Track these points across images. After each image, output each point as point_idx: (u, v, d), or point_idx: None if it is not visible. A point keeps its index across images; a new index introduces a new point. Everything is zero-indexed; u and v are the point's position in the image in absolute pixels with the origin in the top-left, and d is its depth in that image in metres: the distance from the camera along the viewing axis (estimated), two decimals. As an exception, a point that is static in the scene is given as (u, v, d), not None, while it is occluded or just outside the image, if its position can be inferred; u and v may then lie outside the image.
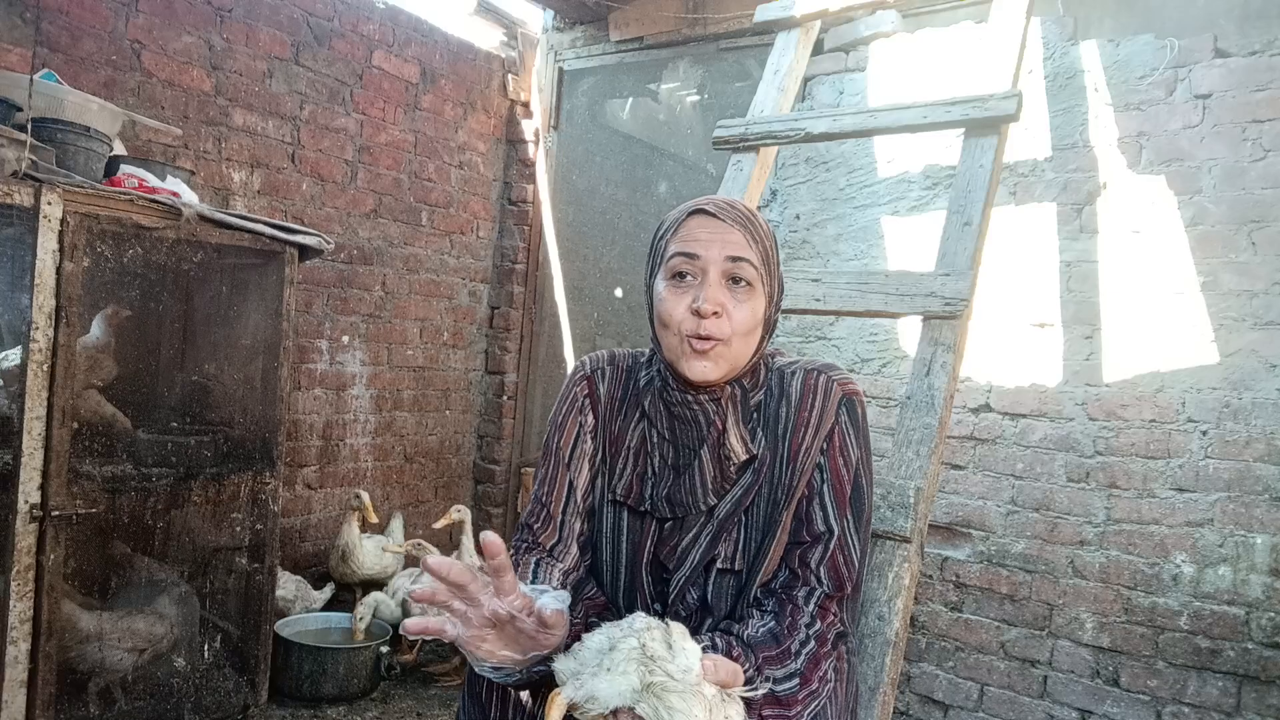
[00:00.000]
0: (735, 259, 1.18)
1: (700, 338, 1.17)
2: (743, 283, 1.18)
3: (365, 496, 3.07)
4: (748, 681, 1.04)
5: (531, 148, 3.85)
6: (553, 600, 0.99)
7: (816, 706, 1.15)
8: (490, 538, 0.92)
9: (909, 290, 1.93)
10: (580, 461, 1.32)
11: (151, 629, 2.28)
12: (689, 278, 1.19)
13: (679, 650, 0.96)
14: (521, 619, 0.97)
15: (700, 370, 1.18)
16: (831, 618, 1.19)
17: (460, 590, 0.95)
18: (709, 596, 1.24)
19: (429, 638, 0.98)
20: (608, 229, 3.85)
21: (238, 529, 2.48)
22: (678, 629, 0.99)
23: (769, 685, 1.09)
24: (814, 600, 1.18)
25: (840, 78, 3.00)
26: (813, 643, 1.15)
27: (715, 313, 1.16)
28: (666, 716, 0.93)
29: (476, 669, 1.04)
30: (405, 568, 3.23)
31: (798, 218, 3.06)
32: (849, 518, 1.21)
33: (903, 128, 2.21)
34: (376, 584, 3.08)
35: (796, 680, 1.12)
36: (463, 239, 3.74)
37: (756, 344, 1.23)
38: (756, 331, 1.21)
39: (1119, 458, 2.48)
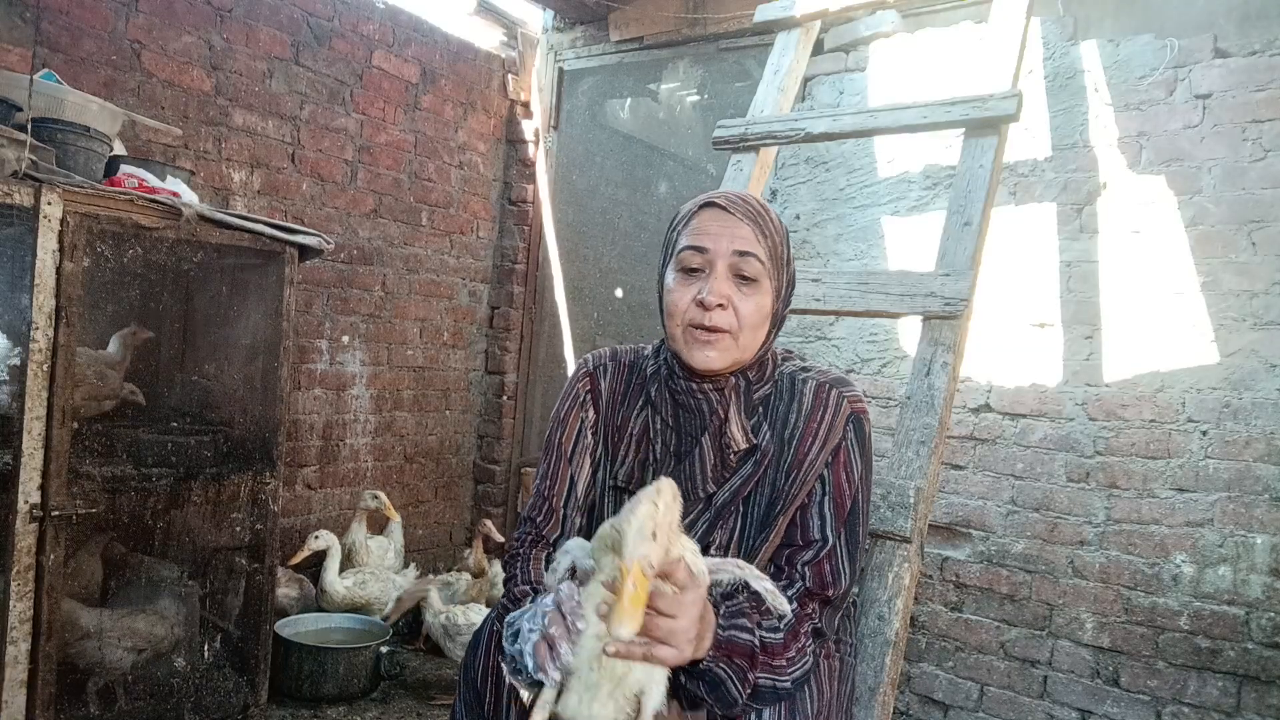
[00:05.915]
0: (742, 254, 1.19)
1: (704, 328, 1.19)
2: (749, 278, 1.20)
3: (383, 496, 3.10)
4: (716, 646, 1.07)
5: (531, 148, 3.85)
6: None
7: (804, 665, 1.15)
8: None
9: (909, 290, 1.93)
10: (582, 457, 1.33)
11: (151, 629, 2.27)
12: (697, 270, 1.21)
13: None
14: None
15: (704, 359, 1.20)
16: (808, 612, 1.19)
17: None
18: None
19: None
20: (608, 229, 3.85)
21: (238, 529, 2.47)
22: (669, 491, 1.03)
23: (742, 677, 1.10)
24: (793, 592, 1.19)
25: (840, 78, 3.00)
26: (792, 620, 1.17)
27: (720, 305, 1.18)
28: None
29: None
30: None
31: (798, 218, 3.06)
32: (843, 533, 1.22)
33: (902, 128, 2.21)
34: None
35: (782, 635, 1.13)
36: (463, 239, 3.74)
37: (764, 338, 1.24)
38: (764, 326, 1.23)
39: (1119, 458, 2.48)
